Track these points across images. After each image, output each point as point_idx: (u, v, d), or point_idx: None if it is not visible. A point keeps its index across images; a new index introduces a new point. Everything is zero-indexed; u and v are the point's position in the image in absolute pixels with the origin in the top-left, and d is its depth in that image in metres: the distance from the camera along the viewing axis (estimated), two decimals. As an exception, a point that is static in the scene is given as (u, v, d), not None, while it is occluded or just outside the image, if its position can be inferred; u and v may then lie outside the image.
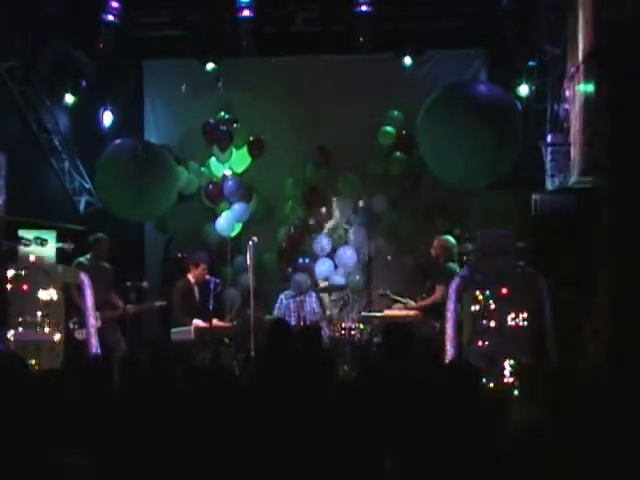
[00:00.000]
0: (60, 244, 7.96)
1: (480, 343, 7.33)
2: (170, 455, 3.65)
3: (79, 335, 8.19)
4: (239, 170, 11.10)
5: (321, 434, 3.88)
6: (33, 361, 7.35)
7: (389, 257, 10.76)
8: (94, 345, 7.93)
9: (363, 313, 9.52)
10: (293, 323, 9.32)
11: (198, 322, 8.67)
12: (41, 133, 10.13)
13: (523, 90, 9.58)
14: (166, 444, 3.70)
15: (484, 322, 7.34)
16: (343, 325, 9.23)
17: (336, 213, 11.01)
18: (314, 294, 10.07)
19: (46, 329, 7.66)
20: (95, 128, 10.68)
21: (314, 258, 10.82)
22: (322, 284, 10.75)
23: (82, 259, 8.72)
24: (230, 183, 10.88)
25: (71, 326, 8.09)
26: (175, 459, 3.63)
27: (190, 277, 9.17)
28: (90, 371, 4.39)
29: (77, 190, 10.68)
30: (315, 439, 3.85)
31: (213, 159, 11.08)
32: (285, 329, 5.77)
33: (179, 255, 10.60)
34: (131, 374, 4.39)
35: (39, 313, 7.67)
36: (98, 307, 8.24)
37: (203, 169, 11.15)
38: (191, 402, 3.97)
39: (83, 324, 8.24)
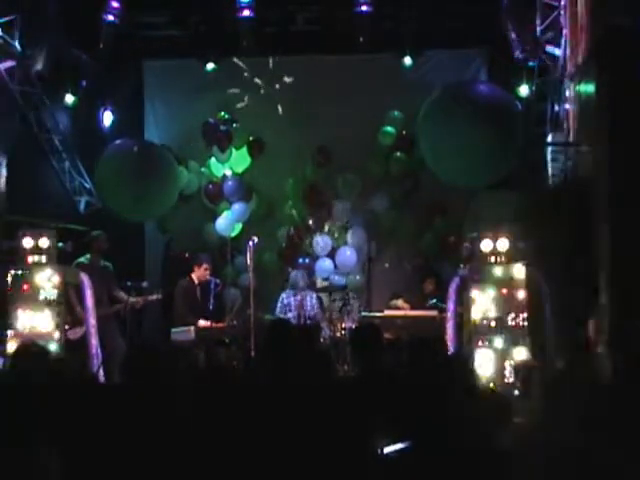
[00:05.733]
0: (60, 244, 7.96)
1: (480, 343, 7.33)
2: (167, 455, 3.65)
3: (72, 335, 8.20)
4: (239, 170, 11.10)
5: (318, 433, 3.88)
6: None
7: (386, 264, 10.79)
8: (94, 345, 7.92)
9: (363, 313, 9.51)
10: (293, 322, 9.32)
11: (203, 322, 8.72)
12: (41, 133, 10.12)
13: (523, 90, 9.58)
14: (164, 443, 3.70)
15: (484, 322, 7.34)
16: (343, 325, 9.24)
17: (336, 213, 11.01)
18: (314, 294, 10.07)
19: (46, 329, 7.65)
20: (95, 128, 10.68)
21: (314, 258, 10.82)
22: (322, 284, 10.75)
23: (82, 259, 8.74)
24: (230, 183, 10.88)
25: (66, 327, 8.09)
26: (172, 459, 3.63)
27: (193, 277, 9.20)
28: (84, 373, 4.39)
29: (77, 190, 10.68)
30: (312, 438, 3.85)
31: (213, 159, 11.08)
32: (284, 329, 5.76)
33: (182, 255, 10.61)
34: (131, 375, 4.38)
35: (39, 313, 7.66)
36: (98, 305, 8.23)
37: (203, 169, 11.15)
38: (189, 402, 3.97)
39: (76, 324, 8.25)
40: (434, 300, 9.16)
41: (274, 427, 3.95)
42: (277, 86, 11.00)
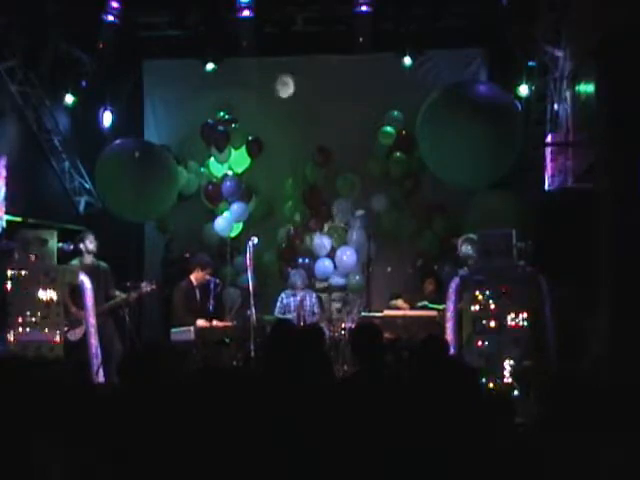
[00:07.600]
0: (60, 244, 7.96)
1: (480, 343, 7.34)
2: (167, 455, 3.65)
3: (72, 336, 8.19)
4: (239, 170, 11.10)
5: (318, 433, 3.88)
6: (33, 361, 7.34)
7: (388, 266, 10.76)
8: (94, 345, 7.92)
9: (363, 313, 9.51)
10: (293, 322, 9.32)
11: (201, 322, 8.71)
12: (41, 133, 10.13)
13: (523, 90, 9.58)
14: (163, 443, 3.70)
15: (484, 322, 7.34)
16: (343, 325, 9.24)
17: (336, 213, 11.01)
18: (314, 294, 10.07)
19: (46, 329, 7.65)
20: (95, 128, 10.68)
21: (314, 258, 10.82)
22: (322, 284, 10.75)
23: (75, 261, 8.69)
24: (228, 183, 10.88)
25: (65, 328, 8.09)
26: (172, 460, 3.63)
27: (192, 278, 9.18)
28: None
29: (77, 190, 10.69)
30: (312, 438, 3.86)
31: (212, 159, 11.08)
32: (287, 330, 5.76)
33: (182, 255, 10.60)
34: (130, 375, 4.38)
35: (39, 313, 7.66)
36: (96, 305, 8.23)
37: (202, 169, 11.15)
38: (189, 402, 3.97)
39: (74, 324, 8.25)
40: (424, 302, 9.16)
41: (274, 427, 3.95)
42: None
